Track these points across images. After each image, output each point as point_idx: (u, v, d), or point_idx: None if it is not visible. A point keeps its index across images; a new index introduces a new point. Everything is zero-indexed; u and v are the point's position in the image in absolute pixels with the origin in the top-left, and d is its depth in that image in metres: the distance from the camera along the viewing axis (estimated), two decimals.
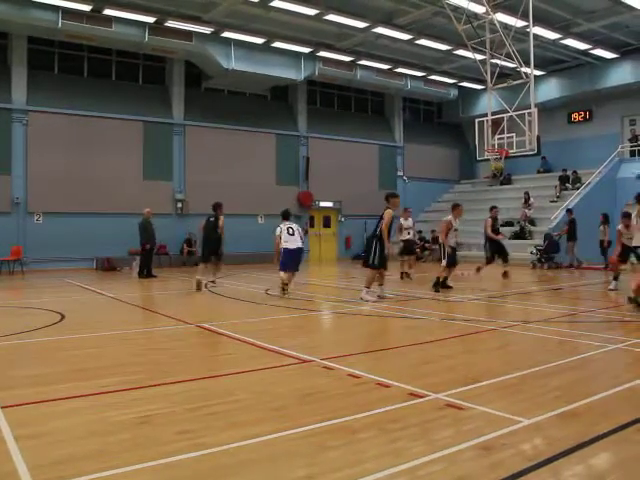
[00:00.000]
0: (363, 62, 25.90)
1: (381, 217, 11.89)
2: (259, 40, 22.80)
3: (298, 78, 25.04)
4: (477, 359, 6.73)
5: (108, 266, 21.41)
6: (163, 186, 23.50)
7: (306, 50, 24.15)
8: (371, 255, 11.88)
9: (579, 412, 4.66)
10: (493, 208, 16.14)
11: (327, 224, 28.61)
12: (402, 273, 16.77)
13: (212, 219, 14.24)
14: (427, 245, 26.07)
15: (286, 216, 13.00)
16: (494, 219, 15.73)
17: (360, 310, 10.64)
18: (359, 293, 12.06)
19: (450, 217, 13.64)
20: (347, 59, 25.44)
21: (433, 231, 26.25)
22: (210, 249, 14.24)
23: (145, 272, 18.01)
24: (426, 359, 6.63)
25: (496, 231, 15.64)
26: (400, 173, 30.40)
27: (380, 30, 22.01)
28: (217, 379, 5.78)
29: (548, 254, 20.96)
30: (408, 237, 17.02)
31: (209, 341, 8.09)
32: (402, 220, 17.04)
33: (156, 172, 23.29)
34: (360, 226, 27.74)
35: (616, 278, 13.32)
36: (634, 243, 11.04)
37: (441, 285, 13.46)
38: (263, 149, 25.92)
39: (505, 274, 15.53)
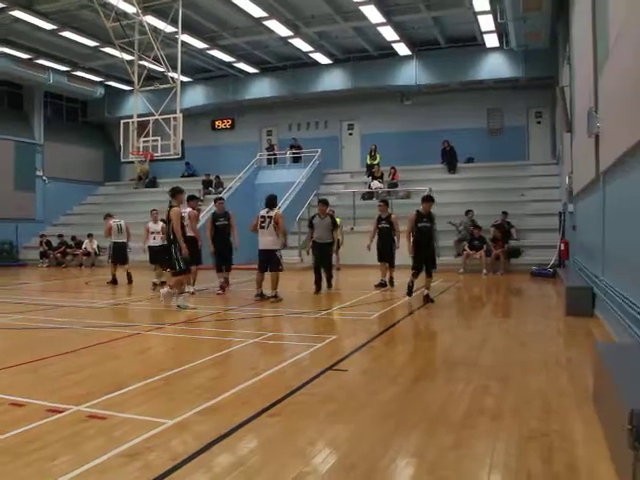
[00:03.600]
0: None
1: (169, 219, 10.81)
2: None
3: None
4: (120, 365, 6.59)
5: None
6: None
7: None
8: (173, 260, 10.78)
9: (221, 405, 4.88)
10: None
11: None
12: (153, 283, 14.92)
13: None
14: (69, 250, 24.77)
15: None
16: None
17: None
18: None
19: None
20: None
21: (74, 237, 25.08)
22: None
23: None
24: (66, 370, 6.23)
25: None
26: (40, 173, 28.36)
27: (18, 14, 20.17)
28: None
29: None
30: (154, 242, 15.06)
31: None
32: (151, 223, 15.30)
33: None
34: None
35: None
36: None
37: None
38: None
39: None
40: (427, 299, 11.31)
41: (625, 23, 6.29)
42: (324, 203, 13.59)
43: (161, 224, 14.99)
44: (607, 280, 8.43)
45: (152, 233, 15.16)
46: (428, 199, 11.75)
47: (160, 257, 14.80)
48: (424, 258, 11.45)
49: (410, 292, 11.80)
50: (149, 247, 15.18)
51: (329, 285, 13.43)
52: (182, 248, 10.67)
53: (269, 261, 11.88)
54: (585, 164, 10.86)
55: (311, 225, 13.51)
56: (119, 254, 15.67)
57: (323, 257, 13.44)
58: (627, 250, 6.75)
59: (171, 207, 10.84)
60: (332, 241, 13.78)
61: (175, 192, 11.09)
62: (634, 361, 4.52)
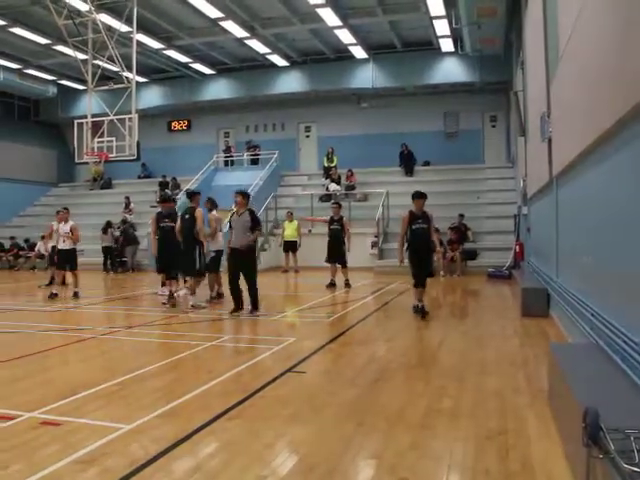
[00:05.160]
0: None
1: (193, 217, 10.92)
2: None
3: None
4: (75, 370, 6.46)
5: None
6: None
7: None
8: (194, 261, 10.75)
9: (178, 410, 4.82)
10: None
11: None
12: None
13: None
14: (22, 252, 24.15)
15: None
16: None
17: None
18: None
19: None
20: None
21: (27, 240, 24.49)
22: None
23: None
24: (19, 376, 6.08)
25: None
26: None
27: None
28: None
29: (121, 259, 21.65)
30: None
31: None
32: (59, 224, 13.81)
33: None
34: None
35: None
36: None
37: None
38: None
39: None
40: (423, 312, 9.70)
41: (573, 31, 6.44)
42: (240, 195, 10.42)
43: (71, 224, 13.21)
44: (561, 281, 8.61)
45: (62, 235, 13.31)
46: (420, 195, 9.89)
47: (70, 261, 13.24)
48: (421, 264, 9.72)
49: (421, 312, 9.75)
50: (59, 250, 13.33)
51: (253, 307, 10.28)
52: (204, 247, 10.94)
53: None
54: (539, 167, 11.07)
55: (231, 226, 10.55)
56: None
57: (239, 267, 10.21)
58: (579, 252, 6.90)
59: (192, 208, 11.12)
60: (253, 244, 10.43)
61: (191, 194, 11.60)
62: (587, 361, 4.62)
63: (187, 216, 10.99)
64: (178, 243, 11.09)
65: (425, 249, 9.71)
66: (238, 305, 10.18)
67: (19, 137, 29.06)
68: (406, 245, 9.82)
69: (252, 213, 10.35)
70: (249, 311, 10.19)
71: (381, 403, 5.01)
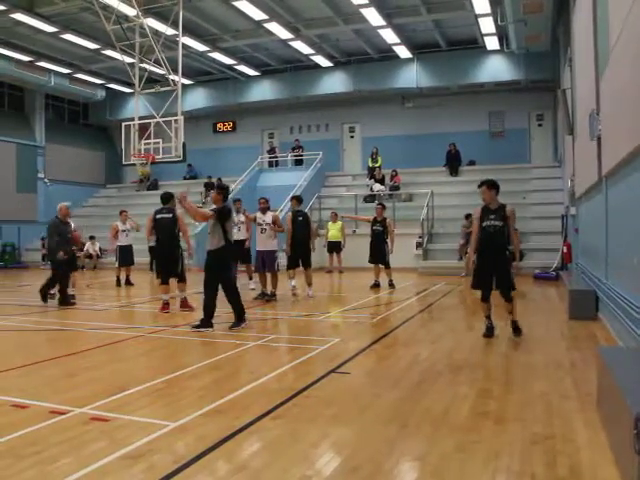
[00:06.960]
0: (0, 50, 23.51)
1: (307, 220, 12.63)
2: None
3: None
4: (123, 367, 6.58)
5: None
6: None
7: None
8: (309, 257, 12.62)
9: (222, 409, 4.87)
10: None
11: None
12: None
13: None
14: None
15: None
16: None
17: None
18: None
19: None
20: None
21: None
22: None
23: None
24: (68, 372, 6.23)
25: None
26: (41, 175, 28.37)
27: (19, 17, 20.14)
28: None
29: None
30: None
31: None
32: (119, 223, 16.26)
33: None
34: None
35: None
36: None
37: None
38: None
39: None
40: (516, 329, 7.99)
41: (625, 25, 6.28)
42: (215, 190, 9.18)
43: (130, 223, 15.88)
44: (611, 284, 8.41)
45: (123, 231, 16.29)
46: (484, 183, 8.07)
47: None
48: (493, 273, 7.84)
49: (490, 332, 8.00)
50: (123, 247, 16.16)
51: (237, 320, 8.85)
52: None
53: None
54: (587, 167, 10.84)
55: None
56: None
57: (210, 273, 8.76)
58: (630, 253, 6.73)
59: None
60: (224, 246, 8.68)
61: (299, 199, 12.91)
62: (638, 365, 4.50)
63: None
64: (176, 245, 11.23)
65: (498, 253, 7.81)
66: (207, 316, 8.69)
67: (69, 140, 29.78)
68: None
69: (222, 212, 8.71)
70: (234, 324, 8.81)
71: (425, 405, 4.97)
